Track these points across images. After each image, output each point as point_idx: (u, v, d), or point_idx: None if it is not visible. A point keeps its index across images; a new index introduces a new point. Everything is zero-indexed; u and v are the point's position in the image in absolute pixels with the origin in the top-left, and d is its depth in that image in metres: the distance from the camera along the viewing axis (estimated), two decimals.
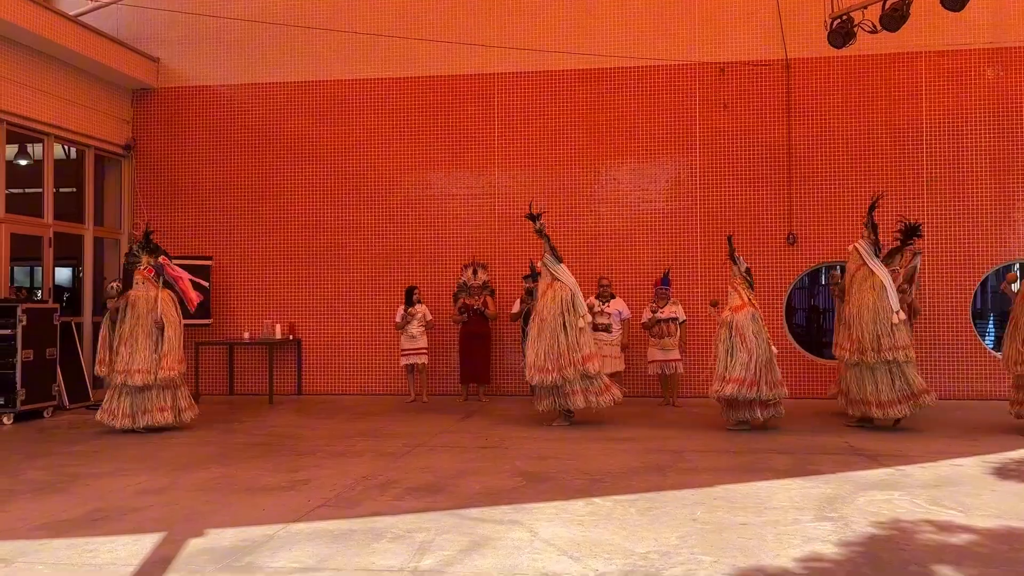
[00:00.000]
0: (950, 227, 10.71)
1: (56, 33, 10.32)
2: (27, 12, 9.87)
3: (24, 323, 9.41)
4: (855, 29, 9.09)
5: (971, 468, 6.56)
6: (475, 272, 10.88)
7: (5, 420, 9.21)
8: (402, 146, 11.80)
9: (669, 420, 9.18)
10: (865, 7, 8.91)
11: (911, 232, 8.88)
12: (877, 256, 8.64)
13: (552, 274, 8.82)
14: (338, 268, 11.85)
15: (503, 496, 5.70)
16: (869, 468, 6.54)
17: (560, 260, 8.89)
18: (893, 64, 10.82)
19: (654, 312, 10.13)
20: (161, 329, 8.57)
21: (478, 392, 10.90)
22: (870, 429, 8.36)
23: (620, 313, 10.31)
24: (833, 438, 7.95)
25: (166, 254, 9.00)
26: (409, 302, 10.69)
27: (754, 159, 11.09)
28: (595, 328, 10.29)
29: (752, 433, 8.28)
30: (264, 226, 12.00)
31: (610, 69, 11.32)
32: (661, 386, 10.42)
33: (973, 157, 10.70)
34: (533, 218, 8.88)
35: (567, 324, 8.57)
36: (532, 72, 11.52)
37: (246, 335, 11.58)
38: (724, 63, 11.12)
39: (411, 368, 10.82)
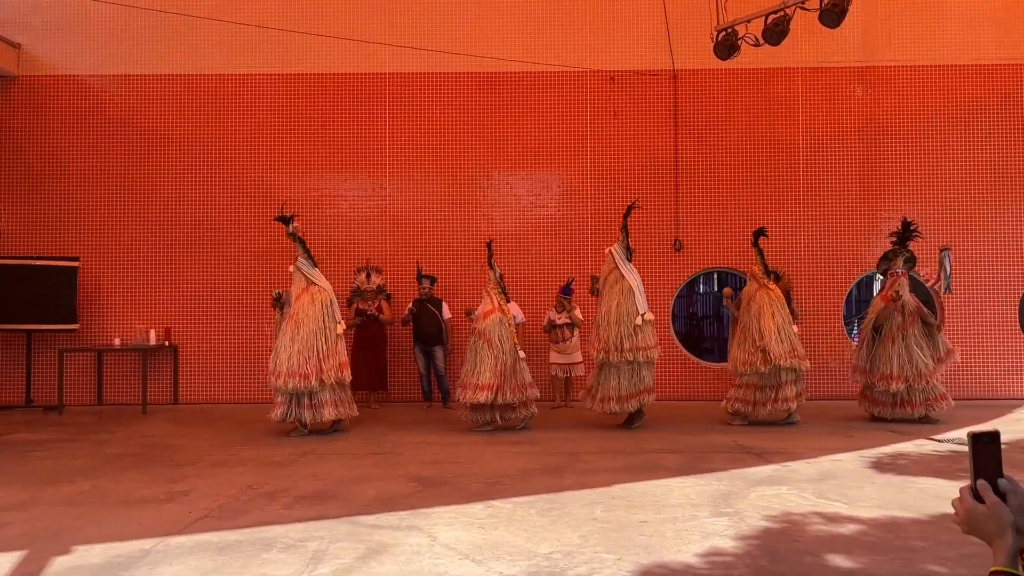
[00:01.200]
0: (822, 238, 11.23)
1: None
2: None
3: None
4: (739, 42, 9.41)
5: (850, 463, 6.84)
6: (368, 276, 10.59)
7: None
8: (288, 145, 11.38)
9: (563, 422, 9.18)
10: (749, 21, 9.24)
11: (904, 235, 9.38)
12: (629, 260, 9.03)
13: (307, 278, 8.55)
14: (217, 270, 11.29)
15: (399, 502, 5.50)
16: (757, 465, 6.71)
17: (315, 264, 8.71)
18: (774, 78, 11.28)
19: (550, 318, 10.22)
20: None
21: (368, 399, 10.59)
22: (734, 428, 8.67)
23: (515, 317, 10.26)
24: (721, 437, 8.15)
25: None
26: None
27: (643, 166, 11.31)
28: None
29: (644, 433, 8.38)
30: (136, 225, 11.31)
31: (503, 74, 11.31)
32: (554, 389, 10.45)
33: (844, 170, 11.27)
34: (285, 220, 8.60)
35: (327, 329, 8.35)
36: (424, 73, 11.37)
37: (117, 341, 10.85)
38: (614, 71, 11.31)
39: None
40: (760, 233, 9.36)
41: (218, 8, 11.16)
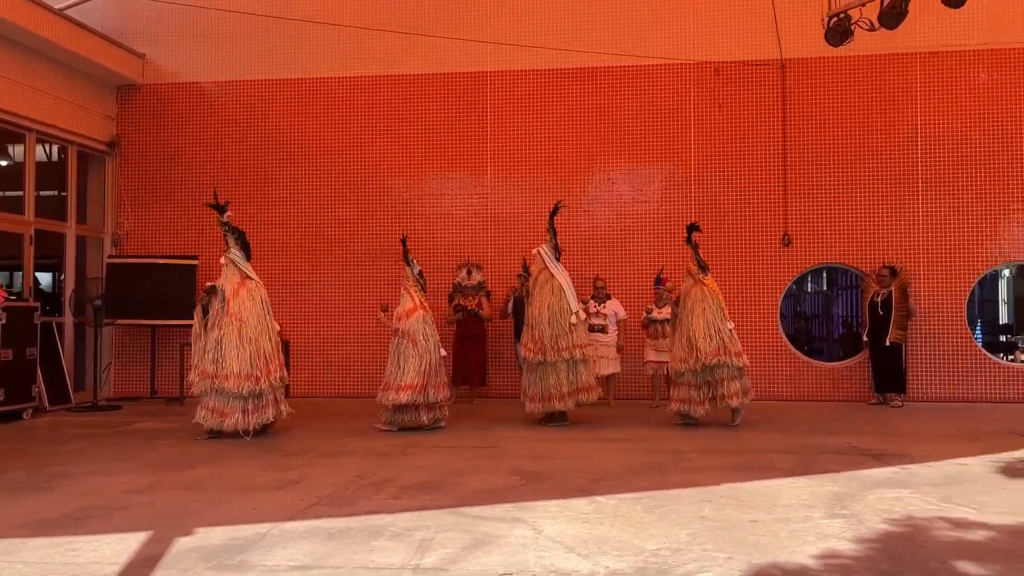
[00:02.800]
0: (946, 228, 10.64)
1: (39, 25, 10.07)
2: (9, 3, 9.63)
3: (3, 322, 9.14)
4: (853, 27, 9.02)
5: (977, 467, 6.45)
6: (469, 273, 10.71)
7: None
8: (393, 145, 11.62)
9: (665, 421, 9.01)
10: (864, 4, 8.84)
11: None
12: (558, 260, 8.77)
13: (242, 272, 8.25)
14: (327, 269, 11.62)
15: (503, 494, 5.51)
16: (874, 467, 6.41)
17: (249, 257, 8.40)
18: (890, 64, 10.77)
19: (648, 312, 10.04)
20: None
21: (469, 394, 10.70)
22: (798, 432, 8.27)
23: (616, 314, 10.18)
24: (833, 438, 7.82)
25: None
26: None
27: (749, 160, 11.01)
28: (591, 329, 10.18)
29: (750, 433, 8.14)
30: (251, 225, 11.71)
31: (604, 68, 11.22)
32: (653, 387, 10.29)
33: (966, 160, 10.65)
34: (218, 208, 8.29)
35: (269, 328, 8.13)
36: (525, 70, 11.39)
37: None
38: (719, 63, 11.04)
39: None
40: (693, 228, 8.94)
41: (325, 12, 11.49)
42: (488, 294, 10.81)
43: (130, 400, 11.24)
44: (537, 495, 5.49)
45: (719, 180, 11.04)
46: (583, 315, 8.71)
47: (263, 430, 8.04)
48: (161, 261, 11.40)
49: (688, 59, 11.08)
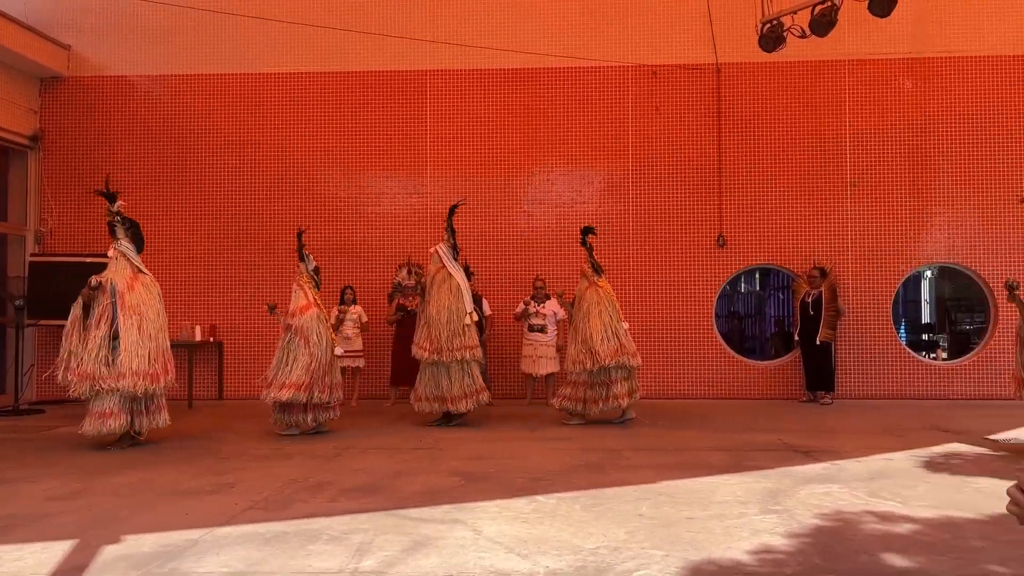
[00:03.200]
0: (873, 231, 10.99)
1: None
2: None
3: None
4: (785, 34, 9.25)
5: (902, 462, 6.66)
6: (410, 272, 10.60)
7: None
8: (330, 143, 11.47)
9: (602, 419, 9.08)
10: (795, 12, 9.07)
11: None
12: (456, 259, 8.87)
13: (134, 264, 7.77)
14: (261, 268, 11.40)
15: (442, 496, 5.48)
16: (806, 463, 6.58)
17: (142, 250, 7.95)
18: (820, 71, 11.08)
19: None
20: None
21: (410, 395, 10.58)
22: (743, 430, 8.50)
23: (556, 314, 10.23)
24: (766, 436, 8.00)
25: None
26: (343, 302, 10.34)
27: (685, 161, 11.19)
28: (531, 329, 10.24)
29: (687, 432, 8.27)
30: (181, 224, 11.47)
31: (544, 69, 11.27)
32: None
33: (892, 164, 11.02)
34: (108, 197, 7.79)
35: (166, 323, 7.80)
36: (464, 70, 11.37)
37: None
38: (657, 66, 11.19)
39: (343, 371, 10.43)
40: (588, 231, 9.11)
41: (259, 7, 11.27)
42: None
43: (54, 403, 10.83)
44: (477, 496, 5.47)
45: (656, 181, 11.20)
46: (475, 316, 8.70)
47: (139, 437, 7.48)
48: (88, 260, 10.96)
49: (626, 62, 11.20)
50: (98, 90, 11.64)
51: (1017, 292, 7.17)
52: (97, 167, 11.54)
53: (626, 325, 8.79)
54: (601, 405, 8.63)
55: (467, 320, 8.53)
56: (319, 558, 4.14)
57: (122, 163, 11.51)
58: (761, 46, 9.46)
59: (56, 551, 4.29)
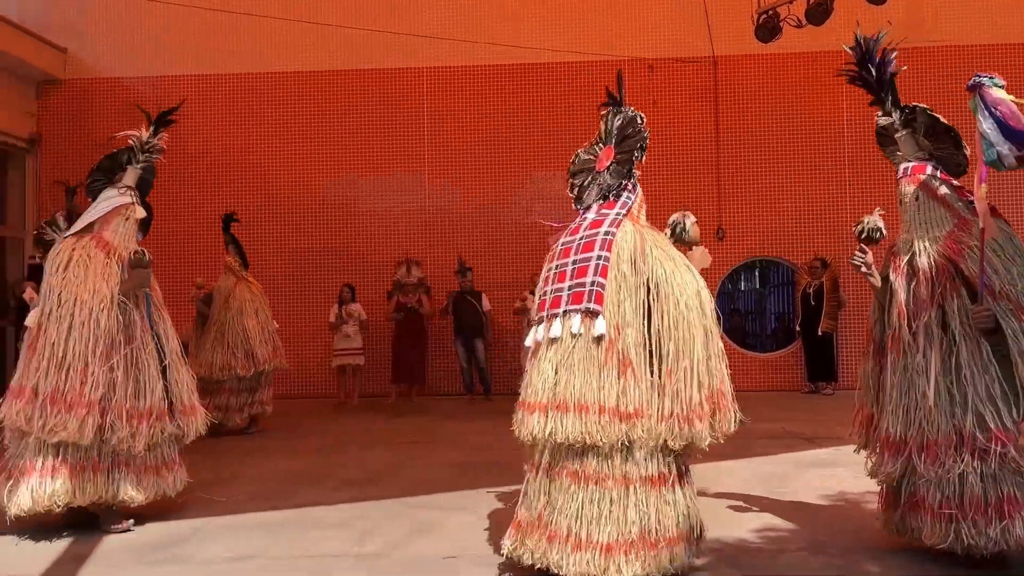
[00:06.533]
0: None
1: None
2: None
3: None
4: (781, 24, 9.25)
5: None
6: (409, 269, 10.59)
7: None
8: (326, 142, 11.45)
9: None
10: (791, 2, 9.07)
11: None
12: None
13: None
14: (265, 267, 11.35)
15: (444, 484, 5.47)
16: (808, 449, 6.57)
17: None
18: (817, 61, 11.06)
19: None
20: None
21: (409, 392, 10.58)
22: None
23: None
24: (769, 424, 7.96)
25: None
26: (342, 300, 10.33)
27: (683, 155, 11.17)
28: (531, 324, 10.16)
29: None
30: (183, 223, 11.44)
31: (540, 64, 11.26)
32: None
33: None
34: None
35: None
36: (459, 67, 11.36)
37: None
38: (653, 59, 11.19)
39: (343, 369, 10.44)
40: (230, 219, 8.61)
41: (251, 6, 11.21)
42: (428, 291, 10.71)
43: None
44: (480, 484, 5.44)
45: (654, 175, 11.16)
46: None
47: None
48: None
49: (622, 55, 11.20)
50: (95, 92, 11.63)
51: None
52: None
53: (276, 325, 8.38)
54: (246, 412, 8.05)
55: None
56: (323, 543, 4.12)
57: None
58: (758, 37, 9.46)
59: (59, 540, 4.26)
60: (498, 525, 4.36)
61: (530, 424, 3.43)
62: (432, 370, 11.00)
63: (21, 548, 4.16)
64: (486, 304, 10.49)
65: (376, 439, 7.58)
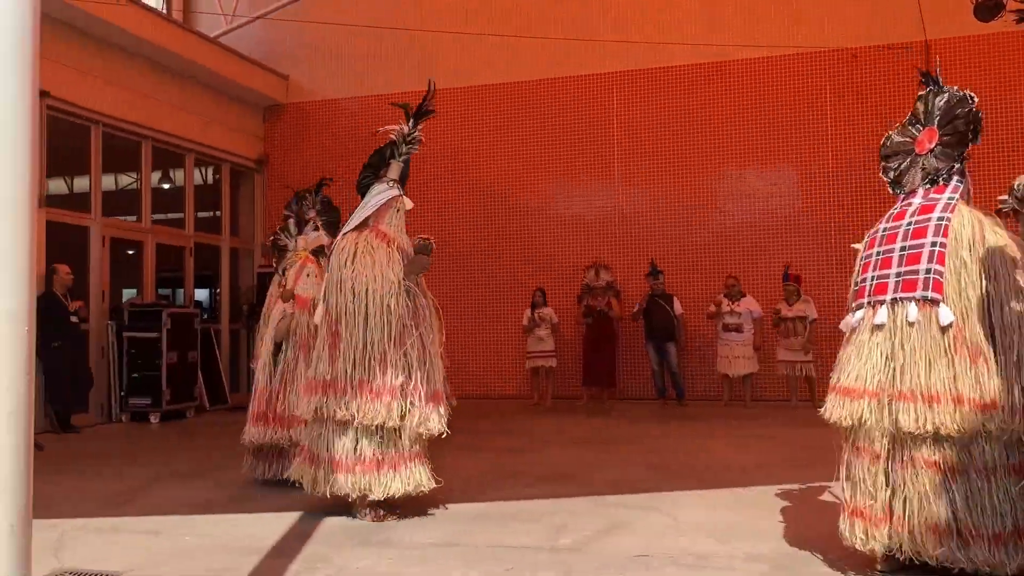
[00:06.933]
0: None
1: (198, 54, 10.91)
2: (172, 34, 10.49)
3: (168, 327, 9.89)
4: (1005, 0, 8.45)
5: None
6: (598, 273, 10.69)
7: (152, 419, 9.67)
8: (520, 150, 11.80)
9: (803, 419, 8.68)
10: None
11: None
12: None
13: None
14: (461, 272, 11.89)
15: (639, 485, 5.50)
16: None
17: None
18: None
19: (777, 312, 9.78)
20: None
21: (601, 395, 10.65)
22: None
23: (752, 312, 9.92)
24: None
25: None
26: (534, 304, 10.61)
27: None
28: (725, 329, 9.97)
29: None
30: None
31: (733, 61, 10.98)
32: (788, 388, 9.95)
33: None
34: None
35: None
36: (649, 69, 11.32)
37: None
38: (856, 48, 10.59)
39: (537, 371, 10.71)
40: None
41: (448, 23, 11.76)
42: (618, 294, 10.75)
43: None
44: (674, 486, 5.44)
45: (859, 174, 10.56)
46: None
47: None
48: None
49: (822, 46, 10.69)
50: (313, 114, 12.70)
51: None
52: (312, 184, 12.58)
53: None
54: None
55: None
56: (519, 535, 4.28)
57: (343, 177, 12.42)
58: (976, 16, 8.67)
59: (288, 520, 4.72)
60: (691, 526, 4.33)
61: (857, 410, 3.45)
62: (624, 374, 11.02)
63: (255, 524, 4.65)
64: (678, 307, 10.36)
65: (569, 439, 7.72)
